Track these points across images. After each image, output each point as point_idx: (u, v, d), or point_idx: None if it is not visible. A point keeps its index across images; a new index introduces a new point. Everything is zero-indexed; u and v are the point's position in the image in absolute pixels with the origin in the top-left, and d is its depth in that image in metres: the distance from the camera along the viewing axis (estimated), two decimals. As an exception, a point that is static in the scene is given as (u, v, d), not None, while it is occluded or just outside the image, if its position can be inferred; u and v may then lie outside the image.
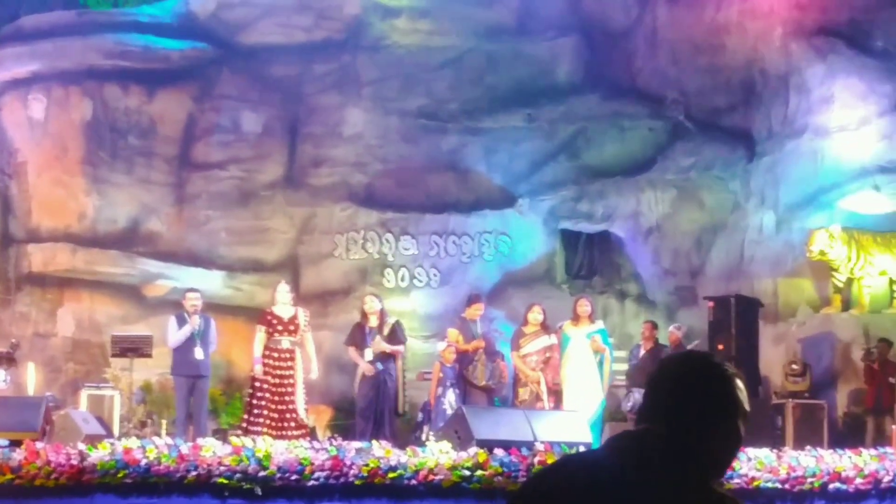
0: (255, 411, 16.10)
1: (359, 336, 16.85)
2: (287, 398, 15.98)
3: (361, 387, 16.78)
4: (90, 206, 22.16)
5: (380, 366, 16.59)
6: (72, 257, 21.94)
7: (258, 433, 14.86)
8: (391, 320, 17.18)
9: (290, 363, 16.08)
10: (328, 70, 23.46)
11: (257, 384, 16.16)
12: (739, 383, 3.39)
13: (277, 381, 16.01)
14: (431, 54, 23.55)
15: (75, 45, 22.60)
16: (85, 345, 21.75)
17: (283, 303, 16.47)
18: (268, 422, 15.88)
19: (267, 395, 16.07)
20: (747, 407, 3.38)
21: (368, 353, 16.61)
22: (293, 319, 16.21)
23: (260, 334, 16.28)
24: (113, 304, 22.05)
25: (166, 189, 22.59)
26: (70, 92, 22.40)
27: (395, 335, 16.93)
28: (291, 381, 16.03)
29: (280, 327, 16.19)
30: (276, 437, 14.24)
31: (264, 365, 16.11)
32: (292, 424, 15.82)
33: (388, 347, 16.68)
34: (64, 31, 22.82)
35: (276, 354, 16.13)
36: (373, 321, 16.81)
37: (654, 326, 19.64)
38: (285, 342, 16.13)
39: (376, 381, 16.64)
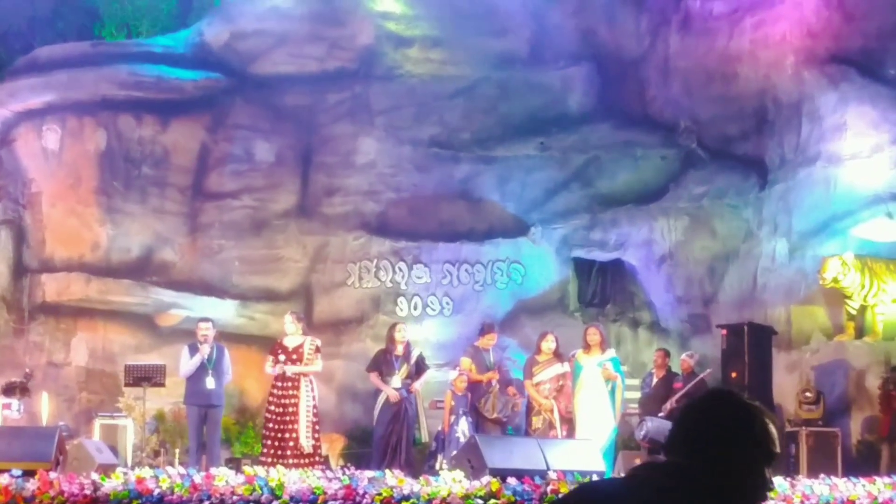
0: (266, 441, 16.25)
1: (384, 363, 16.97)
2: (288, 426, 16.03)
3: (382, 414, 16.88)
4: (104, 235, 22.22)
5: (405, 392, 16.76)
6: (85, 287, 21.99)
7: (265, 463, 14.93)
8: (416, 351, 17.36)
9: (292, 392, 16.12)
10: (341, 99, 23.53)
11: (267, 415, 16.31)
12: (772, 428, 3.40)
13: (281, 409, 16.11)
14: (444, 83, 23.60)
15: (89, 76, 22.69)
16: (98, 374, 21.78)
17: (289, 333, 16.55)
18: (271, 451, 15.98)
19: (270, 423, 16.20)
20: (777, 450, 3.40)
21: (396, 381, 16.75)
22: (297, 349, 16.26)
23: (267, 364, 16.44)
24: (126, 334, 22.07)
25: (180, 218, 22.65)
26: (84, 122, 22.49)
27: (420, 366, 17.15)
28: (293, 409, 16.06)
29: (283, 357, 16.28)
30: (274, 465, 14.30)
31: (271, 395, 16.22)
32: (288, 453, 15.83)
33: (418, 383, 16.98)
34: (78, 61, 22.92)
35: (279, 384, 16.23)
36: (399, 349, 16.97)
37: (667, 354, 19.63)
38: (288, 371, 16.19)
39: (398, 409, 16.75)
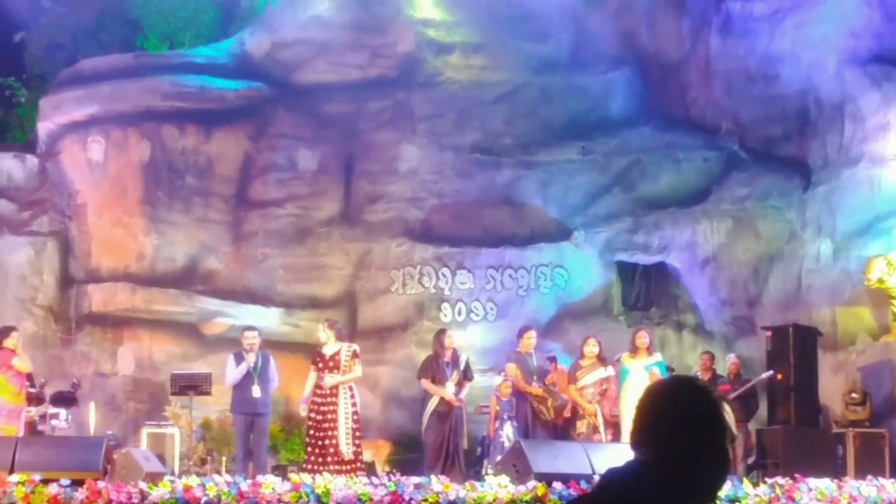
0: (308, 448, 16.30)
1: (436, 369, 17.01)
2: (328, 433, 16.04)
3: (434, 421, 16.88)
4: (149, 245, 22.34)
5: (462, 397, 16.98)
6: (131, 297, 22.12)
7: (309, 470, 14.98)
8: (463, 357, 17.42)
9: (331, 399, 16.14)
10: (383, 107, 23.58)
11: (309, 423, 16.35)
12: (726, 405, 3.39)
13: (321, 417, 16.13)
14: (485, 89, 23.62)
15: (133, 88, 22.81)
16: (145, 383, 21.91)
17: (322, 341, 16.58)
18: (312, 458, 16.02)
19: (312, 431, 16.25)
20: (735, 430, 3.39)
21: (450, 386, 16.81)
22: (335, 356, 16.28)
23: (311, 374, 16.44)
24: (172, 343, 22.18)
25: (224, 227, 22.73)
26: (128, 133, 22.62)
27: (467, 374, 17.21)
28: (333, 416, 16.08)
29: (321, 364, 16.32)
30: (318, 473, 14.33)
31: (312, 403, 16.24)
32: (328, 460, 15.85)
33: (464, 392, 17.09)
34: (121, 73, 23.04)
35: (319, 391, 16.24)
36: (447, 355, 17.03)
37: (712, 357, 19.59)
38: (328, 379, 16.20)
39: (450, 415, 16.78)
